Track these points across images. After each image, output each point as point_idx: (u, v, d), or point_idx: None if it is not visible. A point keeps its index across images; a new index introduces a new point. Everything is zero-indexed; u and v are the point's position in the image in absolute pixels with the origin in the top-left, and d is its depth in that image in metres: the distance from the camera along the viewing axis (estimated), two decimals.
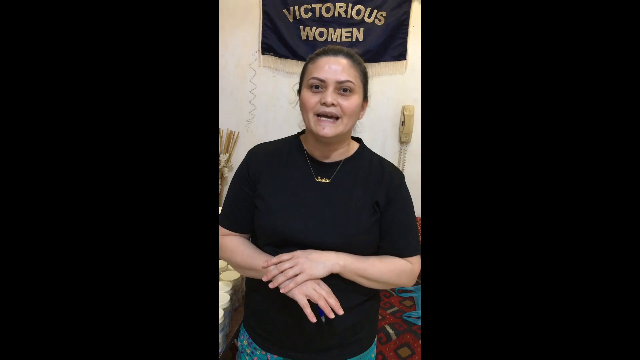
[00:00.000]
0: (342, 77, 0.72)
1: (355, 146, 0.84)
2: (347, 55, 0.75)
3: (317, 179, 0.78)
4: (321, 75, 0.72)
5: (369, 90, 0.80)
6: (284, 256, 0.71)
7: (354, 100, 0.74)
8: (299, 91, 0.79)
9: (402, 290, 1.98)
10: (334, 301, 0.68)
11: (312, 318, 0.66)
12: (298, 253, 0.71)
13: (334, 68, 0.72)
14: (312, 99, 0.73)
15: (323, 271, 0.70)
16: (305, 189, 0.77)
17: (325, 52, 0.75)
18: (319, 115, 0.73)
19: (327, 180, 0.78)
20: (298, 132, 0.86)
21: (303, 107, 0.75)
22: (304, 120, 0.77)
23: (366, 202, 0.76)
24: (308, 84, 0.74)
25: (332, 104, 0.71)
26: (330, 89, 0.72)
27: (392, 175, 0.80)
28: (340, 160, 0.80)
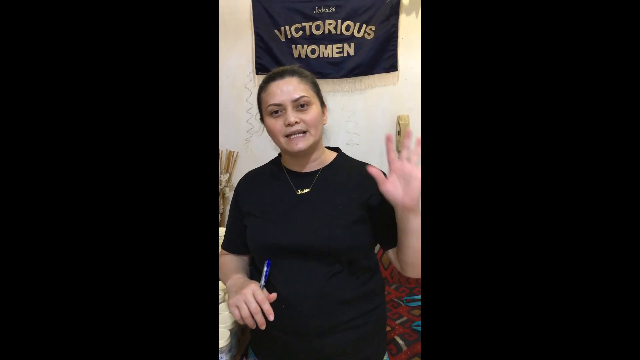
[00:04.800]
0: (296, 95, 0.77)
1: (332, 155, 0.88)
2: (293, 72, 0.80)
3: (298, 192, 0.82)
4: (276, 100, 0.77)
5: (324, 96, 0.86)
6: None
7: (314, 111, 0.79)
8: (262, 119, 0.84)
9: (410, 299, 1.97)
10: (260, 318, 0.68)
11: (251, 325, 0.68)
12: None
13: (286, 89, 0.77)
14: (276, 124, 0.78)
15: (415, 196, 0.69)
16: (288, 202, 0.81)
17: (272, 78, 0.80)
18: (287, 135, 0.77)
19: (308, 190, 0.81)
20: (280, 153, 0.92)
21: (271, 134, 0.81)
22: (276, 144, 0.82)
23: (349, 202, 0.78)
24: (268, 111, 0.79)
25: (296, 122, 0.76)
26: (289, 109, 0.76)
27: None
28: (319, 170, 0.84)
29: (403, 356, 1.56)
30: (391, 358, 1.54)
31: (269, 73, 0.83)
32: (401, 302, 1.95)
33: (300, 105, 0.78)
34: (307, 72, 0.83)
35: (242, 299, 0.68)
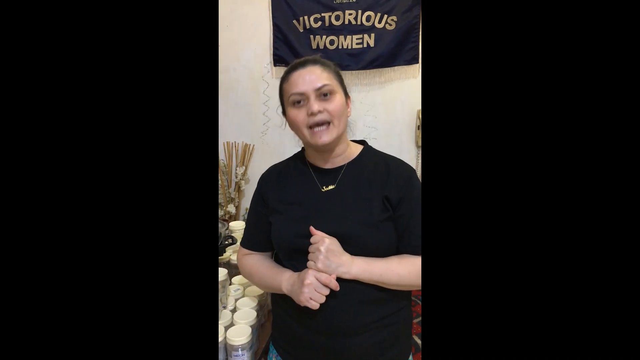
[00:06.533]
0: (319, 83, 0.73)
1: (358, 149, 0.84)
2: (315, 62, 0.77)
3: (323, 188, 0.79)
4: (299, 89, 0.74)
5: (347, 87, 0.83)
6: (314, 239, 0.73)
7: (337, 100, 0.75)
8: (284, 112, 0.81)
9: None
10: (325, 291, 0.70)
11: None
12: (324, 243, 0.71)
13: (308, 78, 0.74)
14: (299, 114, 0.75)
15: (333, 273, 0.70)
16: (313, 199, 0.78)
17: (294, 67, 0.77)
18: (311, 127, 0.74)
19: (333, 187, 0.78)
20: (303, 148, 0.88)
21: (294, 125, 0.77)
22: (299, 137, 0.79)
23: (374, 199, 0.75)
24: (290, 101, 0.76)
25: (319, 111, 0.73)
26: (312, 98, 0.73)
27: (400, 170, 0.79)
28: (344, 165, 0.80)
29: (421, 355, 1.52)
30: None
31: (291, 64, 0.78)
32: (419, 301, 1.91)
33: (324, 94, 0.74)
34: (329, 62, 0.79)
35: (313, 288, 0.69)
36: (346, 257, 0.71)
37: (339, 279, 0.70)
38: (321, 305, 0.69)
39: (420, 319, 1.75)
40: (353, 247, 0.72)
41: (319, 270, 0.70)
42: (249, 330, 0.85)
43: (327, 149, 0.78)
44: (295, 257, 0.76)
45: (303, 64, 0.76)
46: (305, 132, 0.75)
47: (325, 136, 0.74)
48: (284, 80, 0.78)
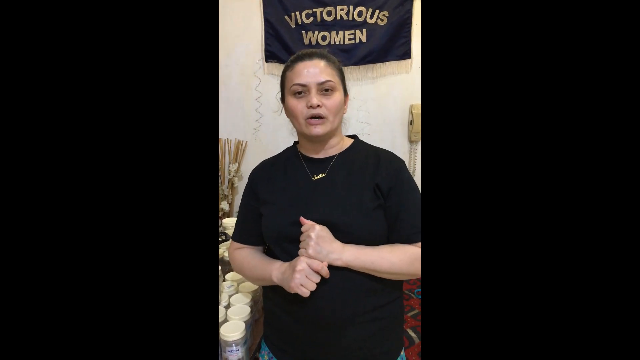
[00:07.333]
0: (322, 78, 0.76)
1: (349, 141, 0.86)
2: (322, 56, 0.78)
3: (314, 177, 0.80)
4: (302, 81, 0.76)
5: (347, 85, 0.85)
6: (304, 227, 0.73)
7: (336, 97, 0.78)
8: (282, 99, 0.83)
9: (422, 292, 1.95)
10: (316, 278, 0.70)
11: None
12: (315, 230, 0.71)
13: (313, 71, 0.76)
14: (298, 105, 0.77)
15: (325, 260, 0.71)
16: (304, 188, 0.79)
17: (301, 58, 0.78)
18: (307, 118, 0.76)
19: (324, 175, 0.80)
20: (295, 142, 0.90)
21: (291, 114, 0.79)
22: (294, 125, 0.81)
23: (365, 186, 0.76)
24: (291, 91, 0.78)
25: (318, 105, 0.75)
26: (313, 91, 0.75)
27: (390, 161, 0.80)
28: (335, 155, 0.82)
29: (415, 349, 1.54)
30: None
31: (298, 53, 0.80)
32: (412, 295, 1.93)
33: (325, 89, 0.76)
34: (335, 58, 0.81)
35: (304, 274, 0.69)
36: (337, 244, 0.71)
37: (330, 268, 0.70)
38: (312, 293, 0.69)
39: (413, 312, 1.76)
40: (344, 234, 0.72)
41: (310, 257, 0.70)
42: (243, 326, 0.85)
43: (320, 140, 0.80)
44: (288, 248, 0.76)
45: (310, 56, 0.78)
46: (302, 122, 0.77)
47: (319, 128, 0.76)
48: (288, 68, 0.80)
